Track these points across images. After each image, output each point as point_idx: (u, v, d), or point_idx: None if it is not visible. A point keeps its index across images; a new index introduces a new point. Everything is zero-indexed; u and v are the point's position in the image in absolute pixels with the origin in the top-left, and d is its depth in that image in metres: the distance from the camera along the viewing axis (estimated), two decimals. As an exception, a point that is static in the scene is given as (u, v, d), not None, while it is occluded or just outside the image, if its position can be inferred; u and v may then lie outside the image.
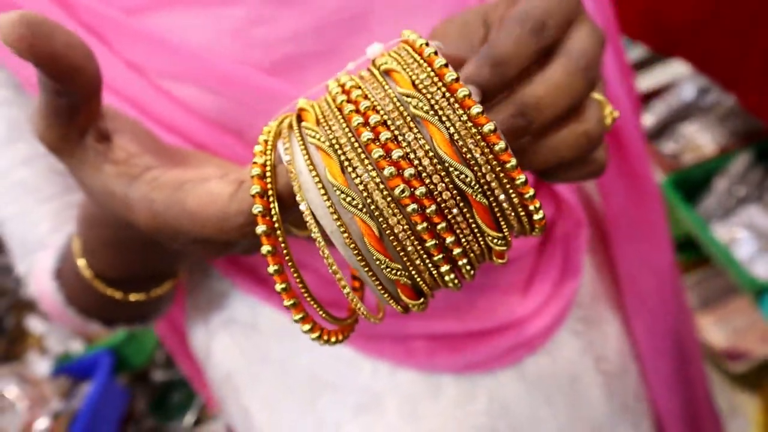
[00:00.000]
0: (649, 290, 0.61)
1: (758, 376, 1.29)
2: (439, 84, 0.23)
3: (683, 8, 1.00)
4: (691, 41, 1.01)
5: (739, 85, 0.90)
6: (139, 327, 0.54)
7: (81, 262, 0.43)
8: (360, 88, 0.24)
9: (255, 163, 0.24)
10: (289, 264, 0.25)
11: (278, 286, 0.24)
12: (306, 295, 0.25)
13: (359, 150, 0.23)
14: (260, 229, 0.24)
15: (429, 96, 0.23)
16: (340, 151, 0.23)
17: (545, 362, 0.54)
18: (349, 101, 0.23)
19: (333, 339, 0.26)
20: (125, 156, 0.30)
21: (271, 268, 0.24)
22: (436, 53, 0.24)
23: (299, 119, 0.25)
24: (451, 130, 0.23)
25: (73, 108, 0.27)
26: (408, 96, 0.23)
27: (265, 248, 0.24)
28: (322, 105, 0.25)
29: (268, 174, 0.24)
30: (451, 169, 0.23)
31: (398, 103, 0.23)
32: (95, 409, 1.00)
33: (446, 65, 0.23)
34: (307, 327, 0.25)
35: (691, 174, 1.39)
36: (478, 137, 0.23)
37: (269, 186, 0.24)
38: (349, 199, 0.23)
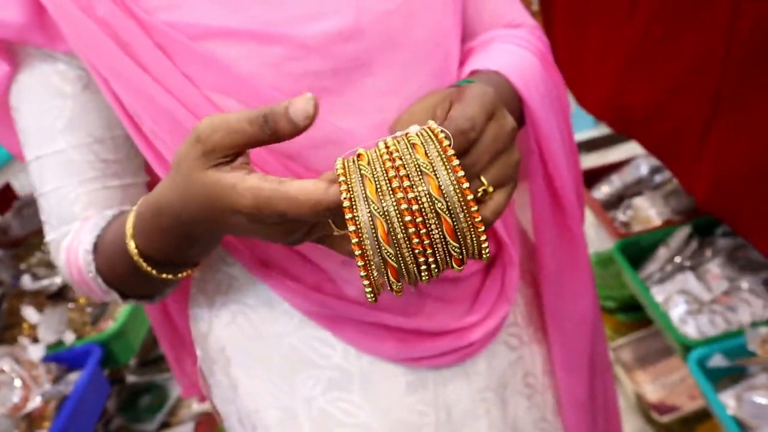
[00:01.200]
0: (568, 328, 0.73)
1: (683, 426, 1.43)
2: (443, 155, 0.39)
3: (638, 97, 1.17)
4: (643, 125, 1.18)
5: (678, 167, 1.07)
6: (146, 303, 0.63)
7: (129, 231, 0.52)
8: (398, 151, 0.39)
9: (342, 189, 0.39)
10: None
11: (354, 246, 0.39)
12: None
13: (395, 206, 0.38)
14: (348, 215, 0.38)
15: (433, 162, 0.39)
16: (384, 208, 0.38)
17: (482, 366, 0.67)
18: (396, 176, 0.39)
19: (372, 296, 0.40)
20: (238, 163, 0.43)
21: (350, 228, 0.38)
22: (446, 137, 0.39)
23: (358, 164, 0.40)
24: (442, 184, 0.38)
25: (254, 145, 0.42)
26: (424, 166, 0.39)
27: (351, 227, 0.38)
28: (374, 164, 0.39)
29: (347, 190, 0.39)
30: (438, 204, 0.38)
31: (417, 168, 0.38)
32: (83, 396, 1.08)
33: (450, 145, 0.39)
34: (367, 282, 0.39)
35: (639, 242, 1.56)
36: (458, 189, 0.38)
37: (350, 196, 0.39)
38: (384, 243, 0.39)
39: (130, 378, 1.59)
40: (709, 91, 0.99)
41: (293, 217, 0.40)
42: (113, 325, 1.24)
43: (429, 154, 0.39)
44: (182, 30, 0.53)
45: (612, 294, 1.74)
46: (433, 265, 0.40)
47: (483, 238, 0.39)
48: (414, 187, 0.38)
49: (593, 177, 1.84)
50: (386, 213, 0.38)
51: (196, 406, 1.49)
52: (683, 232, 1.47)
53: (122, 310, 1.31)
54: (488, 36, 0.67)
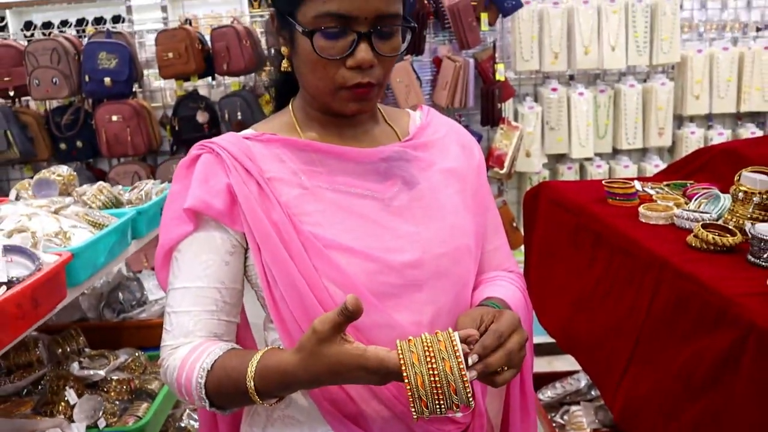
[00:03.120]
0: None
1: None
2: (453, 351, 0.76)
3: (582, 328, 1.58)
4: (582, 350, 1.57)
5: (604, 387, 1.44)
6: (220, 412, 0.91)
7: (250, 375, 0.82)
8: (432, 348, 0.76)
9: (401, 366, 0.75)
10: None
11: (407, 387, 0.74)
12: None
13: (429, 372, 0.75)
14: (405, 380, 0.75)
15: (449, 355, 0.75)
16: (421, 371, 0.75)
17: None
18: (428, 357, 0.75)
19: (415, 419, 0.76)
20: (342, 336, 0.78)
21: (408, 387, 0.74)
22: (458, 347, 0.76)
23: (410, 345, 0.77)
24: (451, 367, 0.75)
25: (345, 324, 0.76)
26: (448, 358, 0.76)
27: (408, 386, 0.75)
28: (419, 354, 0.76)
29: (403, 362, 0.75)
30: (449, 377, 0.74)
31: (443, 358, 0.75)
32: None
33: (460, 352, 0.76)
34: (413, 406, 0.74)
35: (570, 443, 1.88)
36: (458, 371, 0.75)
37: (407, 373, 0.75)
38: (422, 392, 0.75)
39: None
40: (632, 337, 1.37)
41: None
42: (138, 422, 1.48)
43: (447, 349, 0.75)
44: (319, 239, 0.89)
45: (541, 486, 2.02)
46: (444, 407, 0.74)
47: (471, 397, 0.74)
48: (438, 366, 0.74)
49: (541, 381, 2.19)
50: (425, 389, 0.74)
51: None
52: (606, 442, 1.81)
53: (146, 408, 1.55)
54: (492, 274, 1.06)
